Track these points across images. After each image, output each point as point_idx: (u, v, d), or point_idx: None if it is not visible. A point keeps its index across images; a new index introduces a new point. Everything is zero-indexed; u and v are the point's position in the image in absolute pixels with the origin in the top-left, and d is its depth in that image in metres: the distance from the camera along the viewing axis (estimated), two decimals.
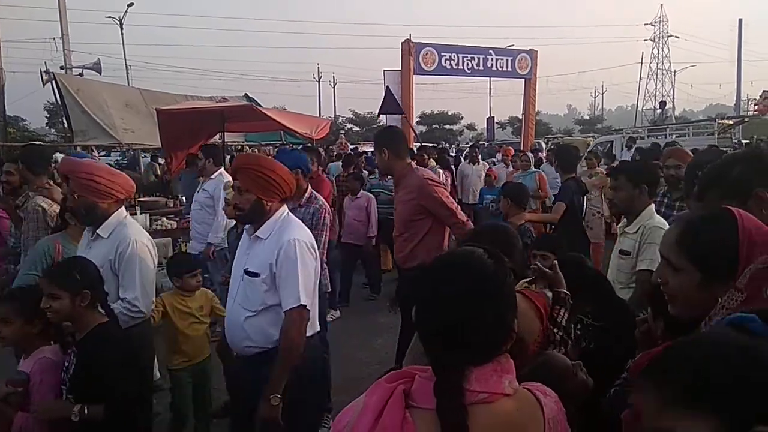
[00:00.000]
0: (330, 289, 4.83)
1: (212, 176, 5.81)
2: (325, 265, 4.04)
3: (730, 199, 1.82)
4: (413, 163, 4.39)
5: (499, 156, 13.07)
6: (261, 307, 2.60)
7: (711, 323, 1.33)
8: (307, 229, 2.81)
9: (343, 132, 30.66)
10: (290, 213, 2.83)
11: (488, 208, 8.62)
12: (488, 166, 10.72)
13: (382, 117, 19.11)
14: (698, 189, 2.12)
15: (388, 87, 13.40)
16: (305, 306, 2.57)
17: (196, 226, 5.86)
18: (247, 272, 2.64)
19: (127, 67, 36.05)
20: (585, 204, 6.13)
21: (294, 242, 2.59)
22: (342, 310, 6.78)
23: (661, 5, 73.49)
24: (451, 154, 13.98)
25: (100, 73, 19.46)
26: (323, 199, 4.18)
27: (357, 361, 5.27)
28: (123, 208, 3.05)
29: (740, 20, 50.62)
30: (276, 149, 15.65)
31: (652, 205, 3.47)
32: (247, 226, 2.80)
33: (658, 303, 1.81)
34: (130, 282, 2.88)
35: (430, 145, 18.96)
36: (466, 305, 1.19)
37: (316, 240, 3.87)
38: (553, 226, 5.75)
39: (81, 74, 19.35)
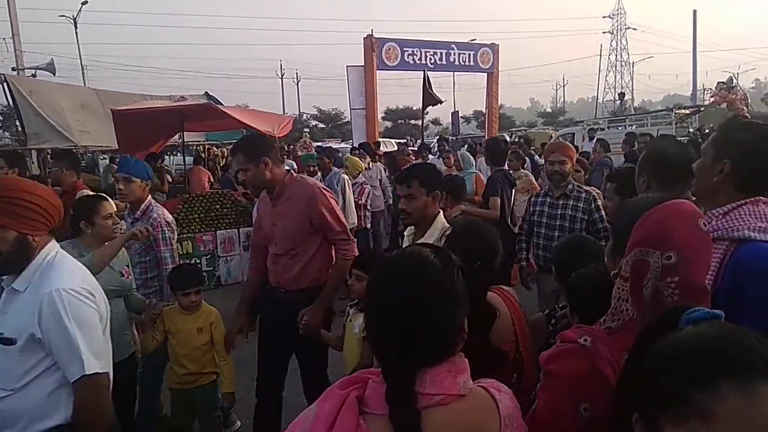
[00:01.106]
0: None
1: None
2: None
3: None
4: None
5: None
6: (22, 383, 1.93)
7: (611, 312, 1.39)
8: (85, 271, 2.17)
9: (307, 130, 30.39)
10: (61, 250, 2.14)
11: None
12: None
13: (347, 113, 19.07)
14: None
15: (425, 80, 13.31)
16: (99, 372, 1.97)
17: None
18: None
19: (82, 66, 35.25)
20: (513, 196, 5.96)
21: (57, 294, 1.93)
22: None
23: None
24: (412, 148, 13.83)
25: (54, 74, 18.88)
26: (163, 211, 4.00)
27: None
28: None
29: (695, 11, 51.92)
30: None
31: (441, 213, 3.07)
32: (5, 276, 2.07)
33: (573, 300, 2.00)
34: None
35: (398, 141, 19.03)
36: (417, 307, 1.17)
37: (159, 255, 3.87)
38: None
39: (34, 75, 18.78)
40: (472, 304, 1.77)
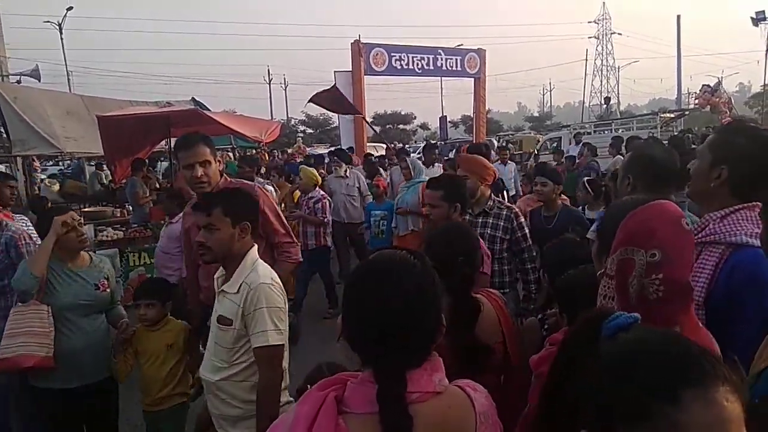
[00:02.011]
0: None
1: None
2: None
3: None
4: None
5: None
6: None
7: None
8: None
9: (301, 136, 30.24)
10: None
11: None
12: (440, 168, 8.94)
13: (335, 118, 18.99)
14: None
15: (335, 86, 13.01)
16: None
17: None
18: None
19: (68, 73, 35.14)
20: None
21: None
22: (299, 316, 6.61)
23: (604, 3, 75.89)
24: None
25: (39, 80, 18.82)
26: (16, 227, 3.69)
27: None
28: None
29: (678, 16, 52.51)
30: (227, 153, 15.40)
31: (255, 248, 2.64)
32: None
33: (563, 302, 2.06)
34: None
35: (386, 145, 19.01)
36: (405, 308, 1.18)
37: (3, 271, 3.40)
38: None
39: (18, 81, 18.65)
40: (456, 298, 1.78)
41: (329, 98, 11.15)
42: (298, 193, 8.26)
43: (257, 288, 2.39)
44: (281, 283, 2.55)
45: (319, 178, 7.60)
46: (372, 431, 1.12)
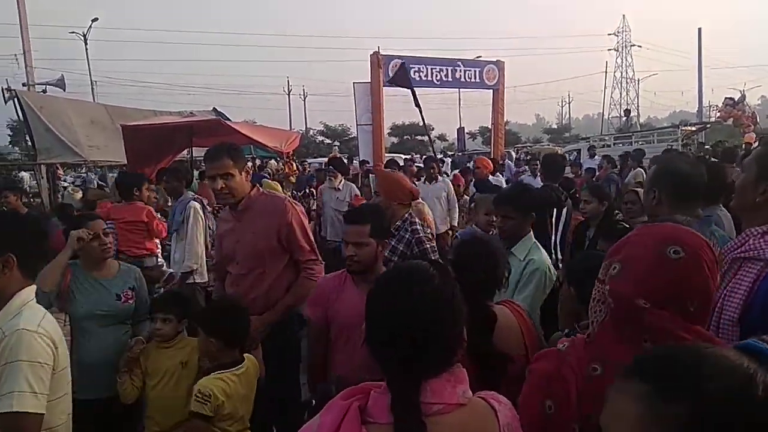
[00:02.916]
0: None
1: None
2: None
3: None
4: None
5: None
6: None
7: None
8: None
9: (336, 145, 30.11)
10: None
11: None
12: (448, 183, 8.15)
13: (353, 129, 19.06)
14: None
15: (403, 63, 13.44)
16: None
17: None
18: None
19: (92, 82, 35.67)
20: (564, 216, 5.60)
21: None
22: None
23: (624, 15, 75.62)
24: (418, 164, 13.47)
25: (64, 90, 19.08)
26: None
27: None
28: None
29: (699, 29, 52.10)
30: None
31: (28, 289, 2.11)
32: None
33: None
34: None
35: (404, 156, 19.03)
36: (424, 318, 1.20)
37: None
38: None
39: (44, 91, 18.94)
40: (472, 307, 1.80)
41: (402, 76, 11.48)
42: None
43: (15, 335, 1.85)
44: (55, 336, 1.99)
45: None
46: None
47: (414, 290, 1.22)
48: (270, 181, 7.82)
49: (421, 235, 3.85)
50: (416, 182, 7.44)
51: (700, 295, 1.25)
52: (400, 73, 11.79)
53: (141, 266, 4.03)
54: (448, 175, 9.78)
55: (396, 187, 4.02)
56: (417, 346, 1.18)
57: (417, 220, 4.00)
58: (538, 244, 3.16)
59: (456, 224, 7.52)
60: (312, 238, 3.32)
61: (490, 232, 3.92)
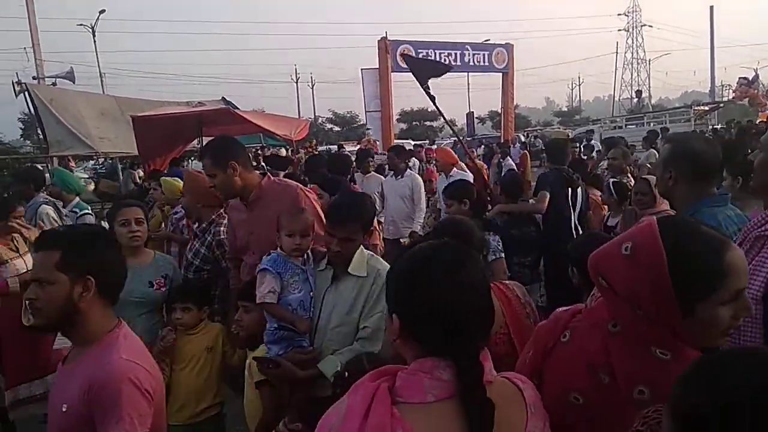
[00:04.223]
0: None
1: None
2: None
3: None
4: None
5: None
6: None
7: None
8: None
9: (365, 131, 29.93)
10: None
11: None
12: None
13: (362, 116, 18.97)
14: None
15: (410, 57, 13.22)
16: None
17: None
18: None
19: (101, 74, 35.76)
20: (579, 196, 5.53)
21: None
22: None
23: None
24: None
25: (74, 82, 19.14)
26: None
27: None
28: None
29: (711, 7, 51.32)
30: (256, 151, 15.52)
31: None
32: None
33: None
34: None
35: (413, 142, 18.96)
36: (484, 292, 1.22)
37: None
38: None
39: (54, 84, 19.05)
40: None
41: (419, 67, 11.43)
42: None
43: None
44: None
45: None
46: (425, 420, 1.12)
47: (468, 266, 1.22)
48: (168, 178, 7.15)
49: (222, 237, 3.77)
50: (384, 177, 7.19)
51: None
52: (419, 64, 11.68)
53: None
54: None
55: (203, 189, 3.84)
56: (479, 321, 1.21)
57: (224, 222, 3.83)
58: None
59: (418, 229, 6.16)
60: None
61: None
